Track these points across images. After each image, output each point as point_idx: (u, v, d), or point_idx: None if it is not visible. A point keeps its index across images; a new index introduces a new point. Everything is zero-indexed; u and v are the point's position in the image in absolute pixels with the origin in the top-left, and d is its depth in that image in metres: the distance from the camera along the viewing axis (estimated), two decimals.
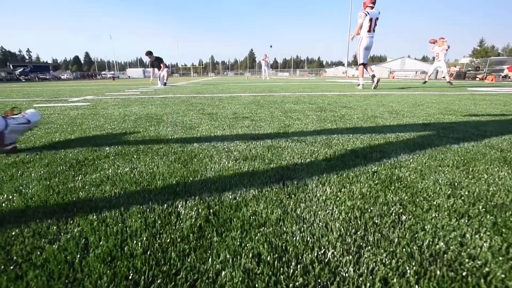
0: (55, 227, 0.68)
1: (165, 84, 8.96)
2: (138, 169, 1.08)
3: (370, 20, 6.11)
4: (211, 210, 0.76)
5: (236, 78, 25.06)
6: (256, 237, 0.64)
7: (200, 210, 0.76)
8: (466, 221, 0.70)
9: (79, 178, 1.00)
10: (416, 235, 0.64)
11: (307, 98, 4.12)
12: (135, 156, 1.25)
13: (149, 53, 9.13)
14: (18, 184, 0.95)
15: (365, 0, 6.19)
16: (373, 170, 1.06)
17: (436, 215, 0.73)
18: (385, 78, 27.52)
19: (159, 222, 0.70)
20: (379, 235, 0.65)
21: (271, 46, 55.24)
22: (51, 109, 3.10)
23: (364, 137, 1.58)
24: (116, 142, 1.51)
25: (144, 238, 0.63)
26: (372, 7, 6.17)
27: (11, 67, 31.38)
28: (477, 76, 24.33)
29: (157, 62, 9.16)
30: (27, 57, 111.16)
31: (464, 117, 2.31)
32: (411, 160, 1.19)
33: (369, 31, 6.21)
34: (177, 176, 1.00)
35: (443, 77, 10.26)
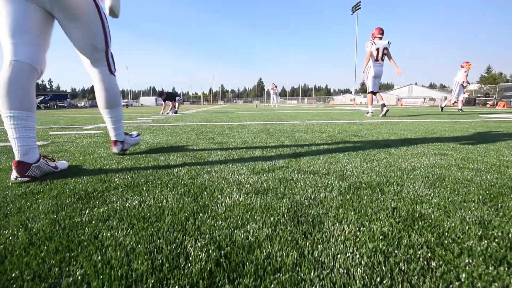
0: (57, 269, 0.64)
1: (176, 112, 9.21)
2: (147, 202, 1.05)
3: (377, 49, 6.30)
4: (222, 252, 0.71)
5: (245, 106, 25.60)
6: (272, 286, 0.58)
7: (210, 251, 0.71)
8: (506, 269, 0.63)
9: (87, 211, 0.97)
10: (451, 287, 0.57)
11: (316, 126, 4.12)
12: (144, 188, 1.22)
13: (160, 94, 9.51)
14: (24, 218, 0.93)
15: (373, 32, 6.48)
16: (392, 206, 1.00)
17: (470, 261, 0.66)
18: (393, 105, 27.58)
19: (166, 265, 0.65)
20: (409, 285, 0.58)
21: None
22: (66, 136, 3.17)
23: (379, 169, 1.53)
24: (126, 172, 1.50)
25: (150, 285, 0.58)
26: (380, 38, 6.40)
27: None
28: (487, 102, 24.16)
29: (169, 98, 9.48)
30: (48, 87, 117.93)
31: (481, 146, 2.22)
32: (432, 194, 1.12)
33: (376, 60, 6.37)
34: (187, 211, 0.96)
35: (454, 104, 10.19)
